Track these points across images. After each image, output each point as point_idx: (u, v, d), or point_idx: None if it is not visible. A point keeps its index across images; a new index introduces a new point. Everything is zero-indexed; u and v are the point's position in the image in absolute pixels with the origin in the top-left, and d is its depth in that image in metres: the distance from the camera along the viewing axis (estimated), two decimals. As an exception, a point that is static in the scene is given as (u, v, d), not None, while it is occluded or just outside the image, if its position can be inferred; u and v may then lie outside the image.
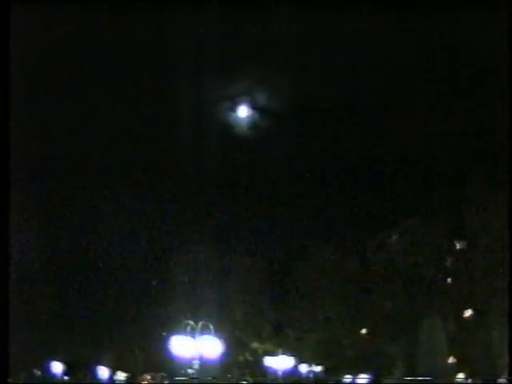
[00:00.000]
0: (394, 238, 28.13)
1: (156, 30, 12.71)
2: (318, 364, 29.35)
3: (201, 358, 21.35)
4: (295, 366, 29.21)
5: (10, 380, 9.33)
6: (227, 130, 21.56)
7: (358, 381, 28.99)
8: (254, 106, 19.91)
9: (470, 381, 27.14)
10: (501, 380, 24.18)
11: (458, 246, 27.03)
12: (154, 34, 13.09)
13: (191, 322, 22.33)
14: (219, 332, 22.77)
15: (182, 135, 22.19)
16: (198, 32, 14.51)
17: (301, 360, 29.17)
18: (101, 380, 30.01)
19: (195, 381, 21.31)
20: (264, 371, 28.61)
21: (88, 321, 28.71)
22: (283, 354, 28.86)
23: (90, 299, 28.40)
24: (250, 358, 29.23)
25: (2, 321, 8.27)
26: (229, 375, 27.65)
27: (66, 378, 30.05)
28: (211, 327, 22.32)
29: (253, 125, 20.83)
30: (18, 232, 20.46)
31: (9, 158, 9.46)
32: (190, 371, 21.89)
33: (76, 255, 27.47)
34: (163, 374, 28.81)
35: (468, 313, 26.61)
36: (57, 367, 29.87)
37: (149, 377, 29.99)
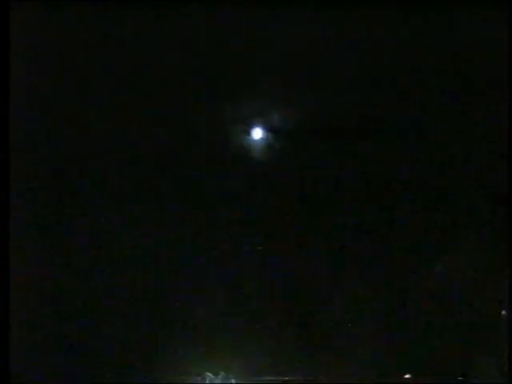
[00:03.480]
0: (434, 271, 26.34)
1: (162, 43, 11.74)
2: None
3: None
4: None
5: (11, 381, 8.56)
6: (241, 152, 20.39)
7: None
8: (269, 128, 18.91)
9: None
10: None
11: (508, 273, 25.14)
12: (161, 48, 12.13)
13: (209, 374, 20.75)
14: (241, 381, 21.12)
15: (195, 159, 21.10)
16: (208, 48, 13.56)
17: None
18: None
19: None
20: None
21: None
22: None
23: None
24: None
25: (2, 322, 7.26)
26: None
27: None
28: (233, 381, 20.73)
29: (268, 147, 19.74)
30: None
31: (9, 158, 8.40)
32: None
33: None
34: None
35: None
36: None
37: None
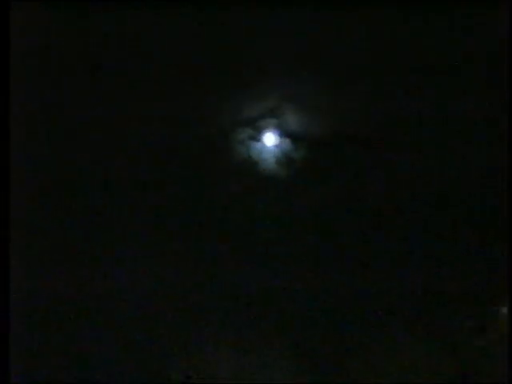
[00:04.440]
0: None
1: (165, 42, 11.73)
2: None
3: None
4: None
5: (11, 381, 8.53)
6: (249, 163, 19.69)
7: None
8: (283, 133, 18.12)
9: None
10: None
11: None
12: (165, 47, 12.13)
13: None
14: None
15: (195, 172, 20.62)
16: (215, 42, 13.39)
17: None
18: None
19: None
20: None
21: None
22: None
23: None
24: None
25: (2, 321, 7.22)
26: None
27: None
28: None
29: (282, 156, 18.94)
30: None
31: (9, 157, 8.41)
32: None
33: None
34: None
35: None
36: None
37: None
